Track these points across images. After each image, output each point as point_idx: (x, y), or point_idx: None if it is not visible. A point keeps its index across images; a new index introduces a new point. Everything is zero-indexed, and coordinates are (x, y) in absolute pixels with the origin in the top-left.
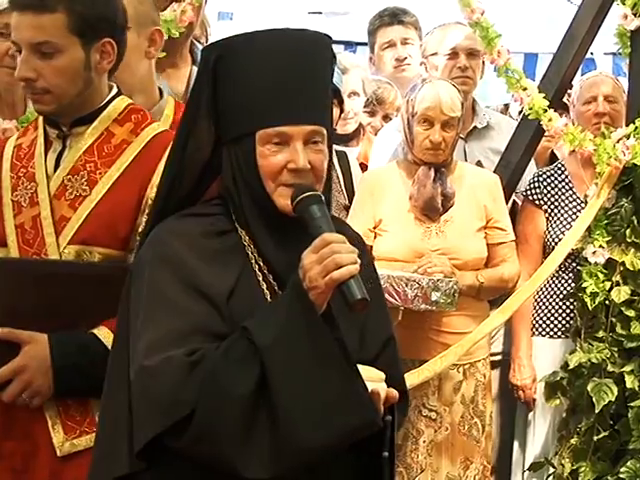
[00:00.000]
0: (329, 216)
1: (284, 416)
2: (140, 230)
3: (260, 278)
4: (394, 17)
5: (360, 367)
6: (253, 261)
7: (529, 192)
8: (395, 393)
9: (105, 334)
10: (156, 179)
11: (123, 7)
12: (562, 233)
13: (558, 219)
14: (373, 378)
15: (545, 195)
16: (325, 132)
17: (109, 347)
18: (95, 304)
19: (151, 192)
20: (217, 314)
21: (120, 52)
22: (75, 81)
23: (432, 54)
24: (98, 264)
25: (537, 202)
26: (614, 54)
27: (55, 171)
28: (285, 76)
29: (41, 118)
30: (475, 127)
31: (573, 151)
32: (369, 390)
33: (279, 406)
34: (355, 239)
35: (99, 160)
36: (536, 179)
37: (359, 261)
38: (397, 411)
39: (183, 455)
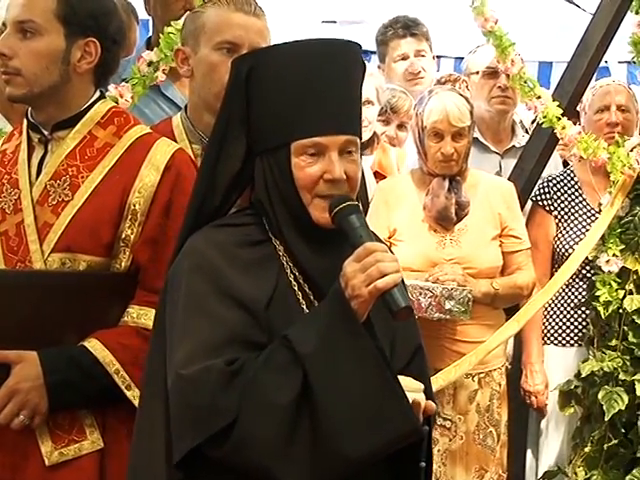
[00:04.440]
0: (368, 225)
1: (326, 425)
2: (124, 237)
3: (296, 287)
4: (407, 29)
5: (401, 378)
6: (288, 271)
7: (539, 197)
8: (433, 406)
9: (95, 345)
10: (139, 184)
11: (122, 20)
12: (572, 239)
13: (568, 225)
14: (413, 388)
15: (555, 201)
16: (358, 142)
17: (100, 359)
18: (81, 315)
19: (133, 198)
20: (255, 323)
21: (106, 61)
22: (50, 70)
23: (474, 73)
24: (83, 273)
25: (547, 208)
26: (628, 62)
27: (38, 177)
28: (319, 85)
29: (25, 123)
30: (513, 146)
31: (581, 159)
32: (411, 400)
33: (321, 415)
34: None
35: (81, 164)
36: (546, 185)
37: (401, 269)
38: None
39: (222, 465)
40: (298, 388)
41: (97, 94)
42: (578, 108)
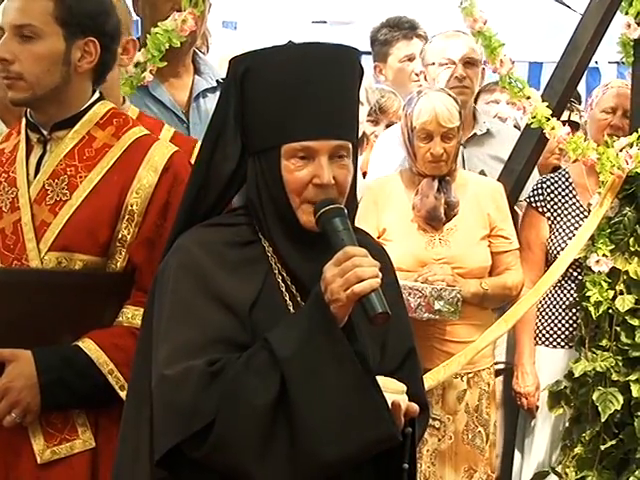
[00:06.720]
0: (352, 229)
1: (303, 428)
2: (120, 237)
3: (283, 289)
4: (413, 30)
5: (381, 378)
6: (276, 272)
7: (532, 199)
8: (416, 407)
9: (89, 346)
10: (136, 185)
11: (118, 18)
12: (564, 241)
13: (561, 227)
14: (394, 390)
15: (548, 202)
16: (350, 147)
17: (94, 359)
18: (76, 314)
19: (131, 199)
20: (239, 324)
21: (105, 60)
22: (51, 72)
23: (430, 64)
24: (79, 272)
25: (540, 209)
26: (618, 63)
27: (36, 176)
28: (312, 90)
29: (24, 122)
30: (475, 134)
31: (576, 160)
32: (390, 402)
33: (298, 418)
34: (378, 250)
35: (80, 164)
36: (539, 186)
37: (380, 275)
38: (417, 424)
39: (202, 465)
40: (276, 391)
41: (97, 95)
42: (586, 103)
